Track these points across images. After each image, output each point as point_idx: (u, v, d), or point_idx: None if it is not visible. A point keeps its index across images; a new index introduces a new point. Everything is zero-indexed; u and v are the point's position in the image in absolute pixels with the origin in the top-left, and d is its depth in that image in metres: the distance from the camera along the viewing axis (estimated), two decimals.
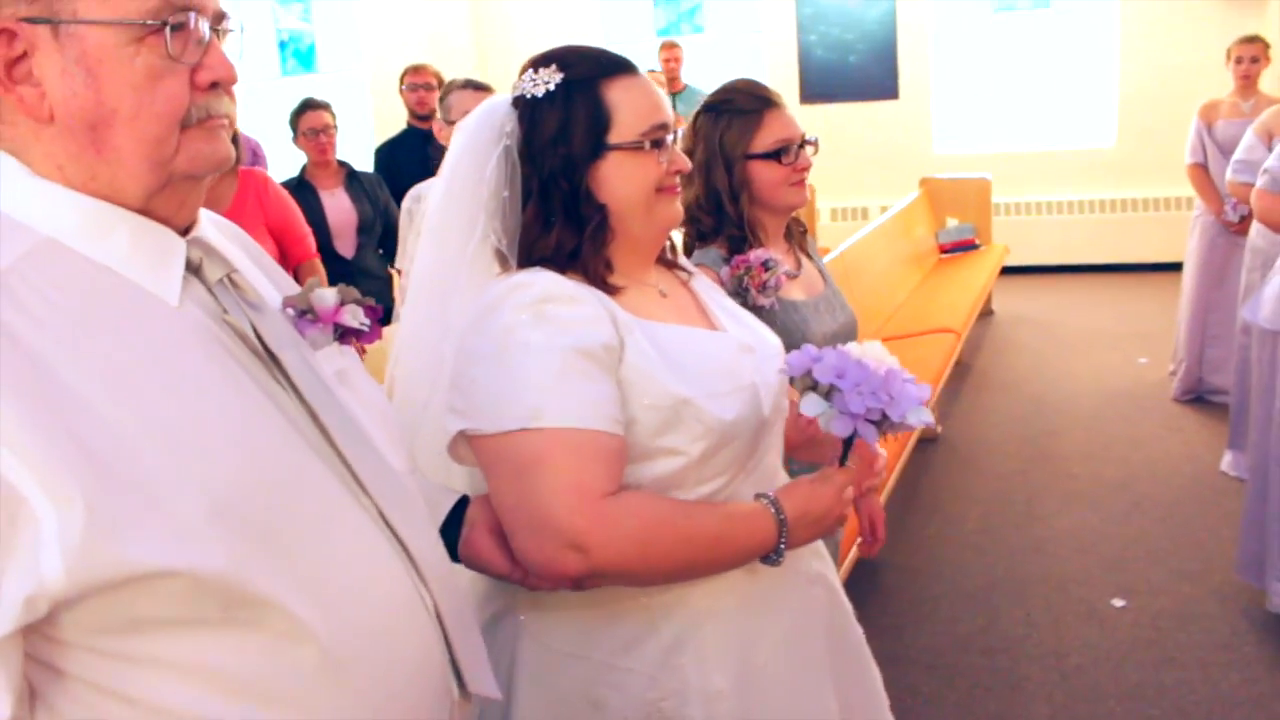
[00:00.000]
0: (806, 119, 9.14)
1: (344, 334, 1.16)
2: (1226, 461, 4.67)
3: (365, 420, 1.15)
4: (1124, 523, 4.28)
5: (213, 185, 3.77)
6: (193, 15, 0.99)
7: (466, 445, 1.44)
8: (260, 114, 10.91)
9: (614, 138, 1.48)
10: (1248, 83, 5.55)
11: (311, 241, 4.20)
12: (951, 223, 7.88)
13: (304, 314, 1.13)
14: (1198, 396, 5.64)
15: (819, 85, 9.61)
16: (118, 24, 0.96)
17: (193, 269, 1.04)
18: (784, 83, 9.65)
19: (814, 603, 1.64)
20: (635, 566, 1.39)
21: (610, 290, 1.50)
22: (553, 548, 1.34)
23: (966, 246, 7.73)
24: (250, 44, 11.09)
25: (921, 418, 1.43)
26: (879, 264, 6.23)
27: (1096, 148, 9.11)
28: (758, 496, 1.49)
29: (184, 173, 1.01)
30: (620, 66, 1.53)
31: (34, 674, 0.90)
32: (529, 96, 1.50)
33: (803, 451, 1.77)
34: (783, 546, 1.46)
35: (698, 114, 2.27)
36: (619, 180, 1.49)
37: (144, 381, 0.93)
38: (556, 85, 1.49)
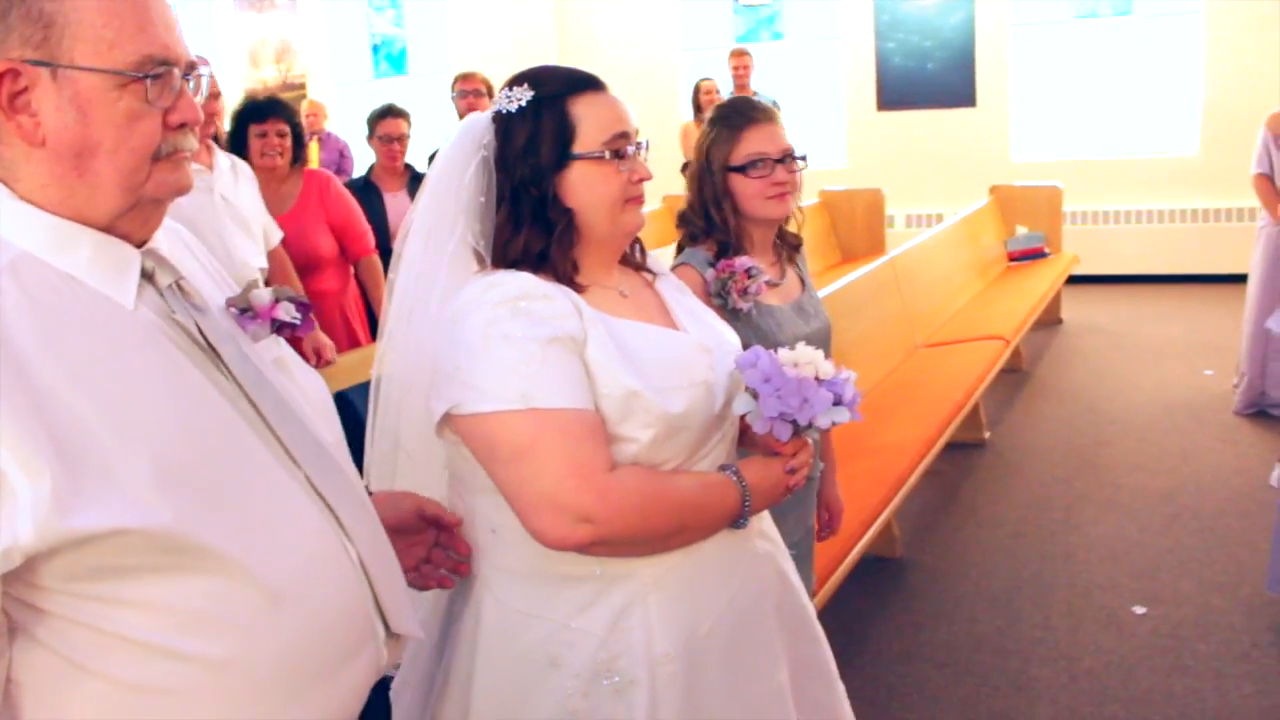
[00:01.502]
0: (883, 126, 9.22)
1: (280, 327, 1.35)
2: (1275, 475, 4.63)
3: (298, 400, 1.35)
4: (1161, 533, 4.29)
5: (278, 185, 3.99)
6: (171, 69, 1.18)
7: (450, 426, 1.61)
8: (352, 115, 11.35)
9: (578, 148, 1.64)
10: None
11: (371, 239, 4.43)
12: (1021, 230, 7.85)
13: (244, 311, 1.33)
14: (1260, 410, 5.57)
15: (896, 92, 9.63)
16: (107, 72, 1.13)
17: (146, 276, 1.21)
18: (861, 89, 9.72)
19: (761, 581, 1.76)
20: (637, 532, 1.56)
21: (576, 288, 1.65)
22: (566, 524, 1.50)
23: (1035, 255, 7.71)
24: (344, 47, 11.51)
25: (835, 418, 1.56)
26: (937, 269, 6.27)
27: (1178, 156, 8.97)
28: (721, 468, 1.66)
29: (151, 197, 1.20)
30: (586, 84, 1.68)
31: (18, 612, 1.09)
32: (504, 111, 1.67)
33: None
34: (748, 510, 1.64)
35: (704, 126, 2.41)
36: (583, 188, 1.65)
37: (102, 374, 1.11)
38: (527, 101, 1.65)
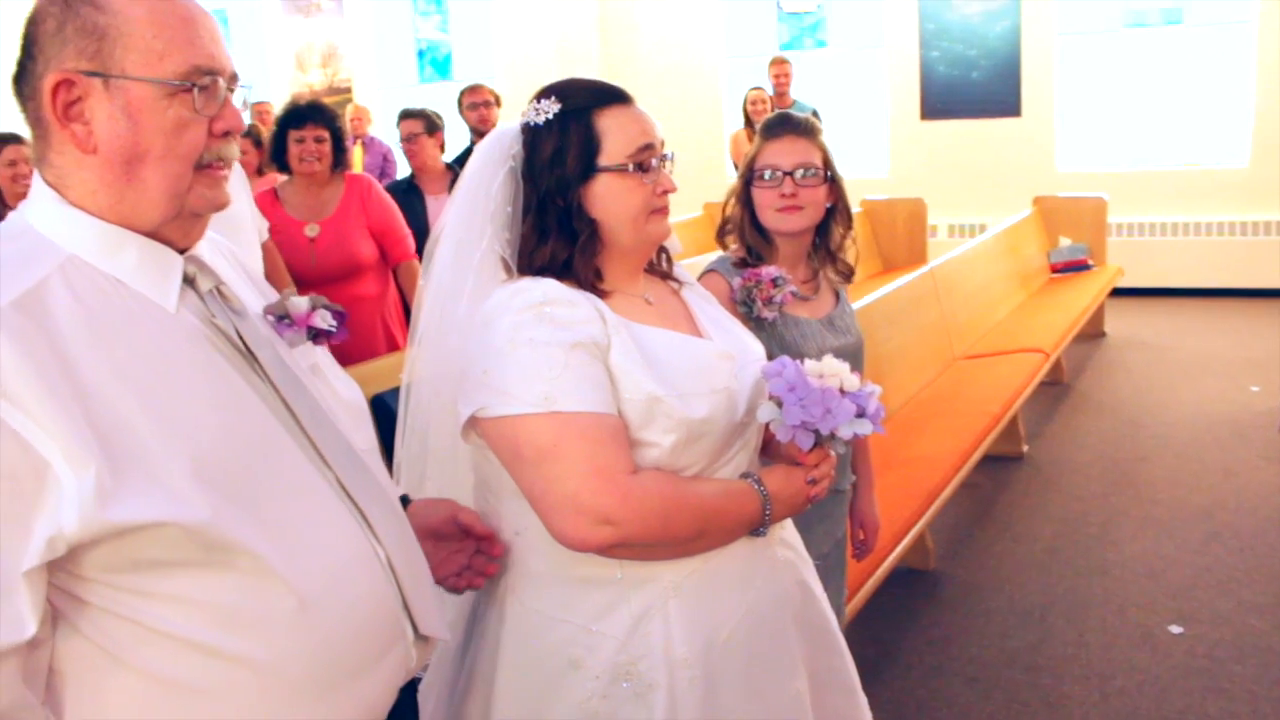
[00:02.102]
0: (927, 135, 9.18)
1: (316, 335, 1.40)
2: None
3: (333, 406, 1.39)
4: (1199, 551, 4.23)
5: (319, 190, 4.06)
6: (217, 79, 1.23)
7: (476, 429, 1.63)
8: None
9: (603, 160, 1.66)
10: None
11: (410, 243, 4.46)
12: (1064, 242, 7.77)
13: (282, 318, 1.38)
14: None
15: (940, 101, 9.58)
16: (157, 83, 1.19)
17: (188, 281, 1.27)
18: (905, 98, 9.67)
19: (781, 589, 1.76)
20: (658, 536, 1.58)
21: (601, 295, 1.67)
22: (587, 525, 1.53)
23: (1079, 267, 7.63)
24: (390, 52, 11.63)
25: (857, 430, 1.57)
26: (977, 280, 6.23)
27: (1229, 168, 8.84)
28: (743, 475, 1.68)
29: (191, 209, 1.26)
30: (613, 97, 1.70)
31: (59, 601, 1.14)
32: (531, 124, 1.70)
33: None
34: (768, 518, 1.66)
35: None
36: (608, 199, 1.67)
37: (145, 373, 1.16)
38: (554, 114, 1.68)
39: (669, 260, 1.87)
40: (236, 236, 3.68)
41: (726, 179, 8.74)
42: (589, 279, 1.67)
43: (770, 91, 7.85)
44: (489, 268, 1.72)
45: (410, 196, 5.05)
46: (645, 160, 1.68)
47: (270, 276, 3.56)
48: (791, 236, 2.36)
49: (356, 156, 8.51)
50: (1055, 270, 7.67)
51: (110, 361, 1.14)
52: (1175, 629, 3.64)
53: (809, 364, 1.61)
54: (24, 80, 1.21)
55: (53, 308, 1.13)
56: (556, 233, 1.67)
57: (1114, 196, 8.17)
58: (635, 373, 1.60)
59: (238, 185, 3.82)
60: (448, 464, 1.80)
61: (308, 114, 4.27)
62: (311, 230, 4.23)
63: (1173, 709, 3.19)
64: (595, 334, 1.59)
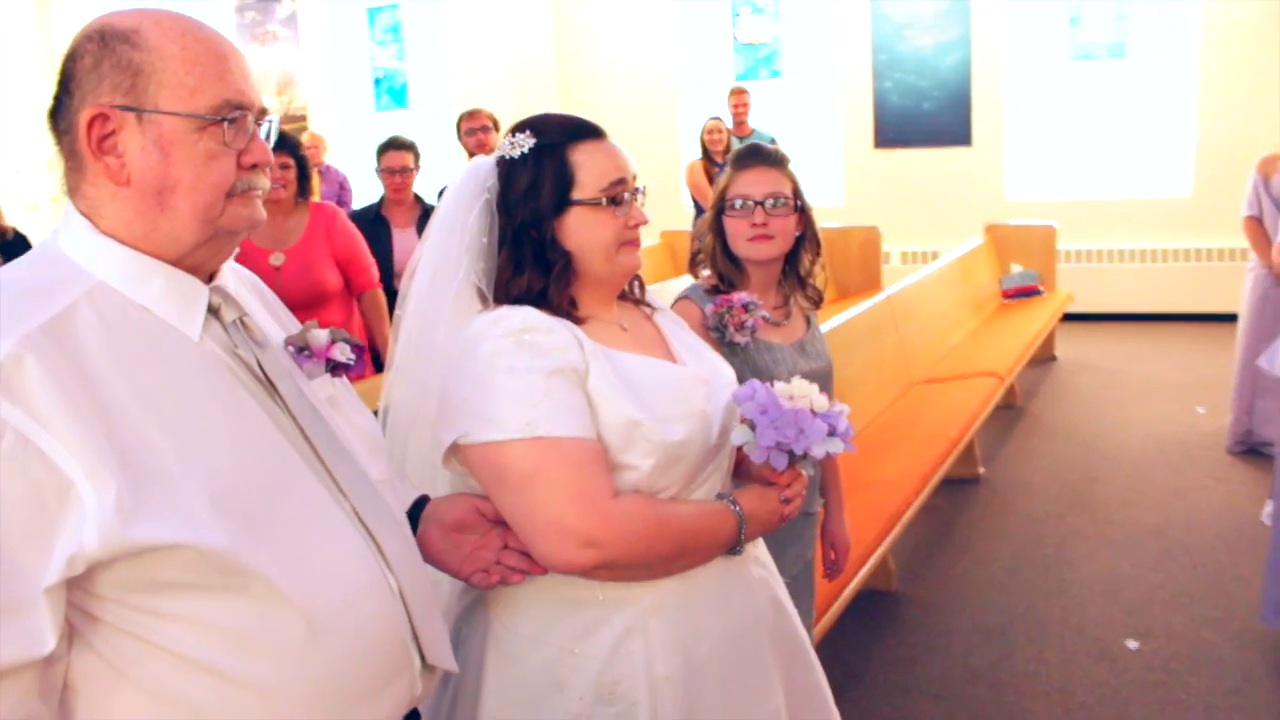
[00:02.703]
0: (880, 164, 9.32)
1: (335, 367, 1.44)
2: (1266, 512, 4.68)
3: (350, 437, 1.42)
4: (1153, 569, 4.33)
5: (284, 218, 4.06)
6: (245, 113, 1.28)
7: (458, 456, 1.66)
8: (353, 148, 11.45)
9: (577, 194, 1.71)
10: None
11: (374, 272, 4.48)
12: (1016, 268, 7.94)
13: (302, 350, 1.41)
14: (1250, 449, 5.63)
15: (893, 131, 9.75)
16: (189, 116, 1.24)
17: (212, 311, 1.31)
18: (858, 128, 9.84)
19: (755, 606, 1.81)
20: (640, 557, 1.61)
21: (577, 322, 1.71)
22: (571, 548, 1.56)
23: (1030, 292, 7.79)
24: (346, 80, 11.62)
25: (829, 449, 1.62)
26: (933, 307, 6.34)
27: (1172, 197, 9.08)
28: (718, 496, 1.73)
29: (226, 229, 1.29)
30: (586, 132, 1.75)
31: (76, 619, 1.16)
32: (507, 157, 1.74)
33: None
34: (744, 537, 1.71)
35: None
36: (581, 231, 1.71)
37: (167, 399, 1.20)
38: (530, 148, 1.72)
39: (641, 287, 1.92)
40: None
41: (683, 209, 8.84)
42: (564, 307, 1.71)
43: (729, 121, 7.95)
44: (465, 297, 1.75)
45: (377, 227, 5.03)
46: (618, 194, 1.72)
47: None
48: (762, 264, 2.42)
49: (314, 185, 8.49)
50: (1007, 296, 7.83)
51: (134, 386, 1.17)
52: (1132, 644, 3.72)
53: (779, 386, 1.66)
54: (60, 114, 1.25)
55: (80, 332, 1.17)
56: (531, 263, 1.71)
57: (1063, 224, 8.36)
58: (614, 397, 1.63)
59: None
60: (425, 489, 1.83)
61: (276, 142, 4.27)
62: (276, 259, 4.23)
63: None
64: (574, 360, 1.63)
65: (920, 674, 3.61)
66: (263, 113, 1.32)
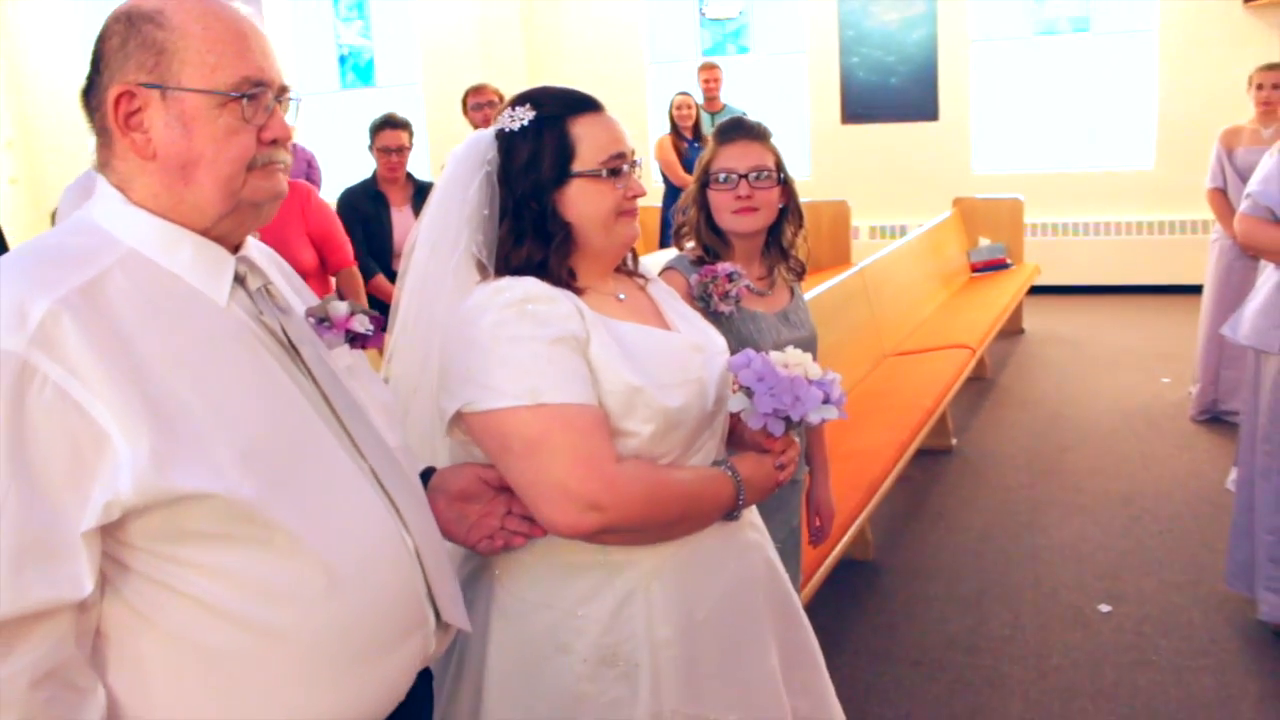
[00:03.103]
0: (847, 139, 9.32)
1: (354, 338, 1.48)
2: (1231, 479, 4.77)
3: (367, 404, 1.47)
4: (1122, 535, 4.42)
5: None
6: (264, 90, 1.32)
7: (461, 425, 1.69)
8: (319, 126, 11.35)
9: (577, 166, 1.73)
10: (1268, 110, 5.65)
11: (349, 251, 4.47)
12: (984, 242, 8.02)
13: (322, 321, 1.45)
14: (1214, 417, 5.74)
15: (860, 106, 9.81)
16: (209, 93, 1.28)
17: (238, 279, 1.35)
18: (826, 103, 9.88)
19: (751, 569, 1.85)
20: (642, 521, 1.65)
21: (576, 292, 1.74)
22: (575, 511, 1.59)
23: (997, 266, 7.87)
24: (311, 58, 11.51)
25: (824, 415, 1.67)
26: (903, 280, 6.41)
27: (1135, 170, 9.20)
28: (716, 463, 1.77)
29: (248, 201, 1.34)
30: (586, 105, 1.77)
31: (107, 568, 1.21)
32: (507, 130, 1.76)
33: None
34: (742, 502, 1.75)
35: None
36: (581, 203, 1.74)
37: (196, 359, 1.25)
38: (530, 121, 1.74)
39: (635, 258, 1.95)
40: None
41: (652, 183, 8.85)
42: (564, 278, 1.74)
43: (699, 97, 7.96)
44: (466, 269, 1.77)
45: (377, 206, 4.99)
46: (617, 166, 1.75)
47: None
48: (746, 236, 2.45)
49: None
50: (975, 269, 7.91)
51: (165, 347, 1.22)
52: (1104, 608, 3.81)
53: (774, 355, 1.70)
54: (91, 93, 1.30)
55: (113, 295, 1.21)
56: (532, 235, 1.73)
57: (1029, 197, 8.45)
58: (614, 365, 1.66)
59: None
60: (425, 459, 1.85)
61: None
62: (252, 237, 4.22)
63: (1105, 682, 3.35)
64: (575, 329, 1.65)
65: (899, 640, 3.68)
66: (283, 90, 1.35)
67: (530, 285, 1.68)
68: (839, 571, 3.74)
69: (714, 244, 2.45)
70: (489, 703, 1.72)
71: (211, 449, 1.21)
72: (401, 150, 5.08)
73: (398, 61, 11.31)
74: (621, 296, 1.82)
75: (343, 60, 11.63)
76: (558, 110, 1.75)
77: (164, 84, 1.27)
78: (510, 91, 1.94)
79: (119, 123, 1.28)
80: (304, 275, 4.29)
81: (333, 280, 4.52)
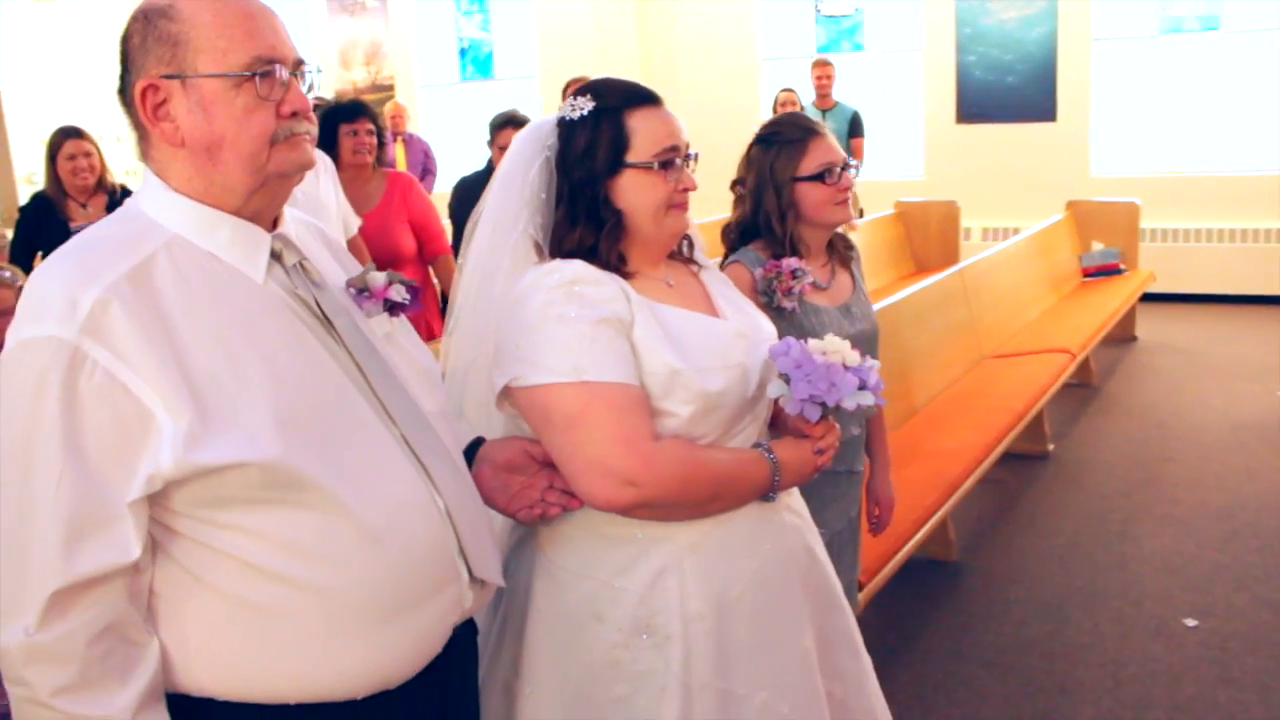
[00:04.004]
0: (962, 139, 9.14)
1: (392, 306, 1.56)
2: None
3: (405, 371, 1.55)
4: (1218, 549, 4.29)
5: (364, 184, 4.24)
6: (276, 66, 1.39)
7: (510, 399, 1.77)
8: (439, 117, 11.65)
9: (630, 157, 1.79)
10: None
11: (446, 239, 4.64)
12: (1097, 246, 7.81)
13: (361, 291, 1.54)
14: None
15: (976, 105, 9.62)
16: (224, 76, 1.35)
17: (275, 256, 1.44)
18: (941, 102, 9.73)
19: (788, 552, 1.88)
20: (677, 498, 1.71)
21: (625, 276, 1.80)
22: (612, 486, 1.66)
23: (1110, 271, 7.66)
24: (432, 50, 11.81)
25: (860, 401, 1.70)
26: (1008, 283, 6.29)
27: (1261, 174, 8.83)
28: (755, 445, 1.81)
29: (275, 173, 1.42)
30: (644, 98, 1.84)
31: (157, 533, 1.33)
32: (567, 119, 1.83)
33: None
34: (777, 484, 1.79)
35: (750, 145, 2.54)
36: (633, 193, 1.80)
37: (234, 335, 1.35)
38: (589, 111, 1.81)
39: (691, 246, 2.00)
40: (324, 220, 3.84)
41: None
42: (613, 262, 1.80)
43: (811, 94, 7.93)
44: (523, 249, 1.85)
45: None
46: (670, 159, 1.81)
47: None
48: (831, 229, 2.49)
49: (399, 154, 8.67)
50: (1087, 274, 7.71)
51: (205, 325, 1.32)
52: (1190, 622, 3.71)
53: (812, 342, 1.74)
54: (124, 91, 1.40)
55: (158, 280, 1.32)
56: (585, 220, 1.80)
57: (1147, 202, 8.18)
58: (656, 347, 1.72)
59: (327, 179, 3.98)
60: (482, 431, 1.93)
61: (359, 109, 4.44)
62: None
63: (1183, 696, 3.27)
64: (620, 311, 1.72)
65: (974, 641, 3.65)
66: (298, 64, 1.42)
67: (579, 268, 1.75)
68: (919, 570, 3.74)
69: (784, 243, 2.46)
70: (528, 663, 1.80)
71: (245, 419, 1.30)
72: None
73: (516, 54, 11.52)
74: (670, 282, 1.88)
75: (463, 53, 11.89)
76: (616, 102, 1.81)
77: (182, 73, 1.35)
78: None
79: (148, 115, 1.37)
80: (403, 260, 4.49)
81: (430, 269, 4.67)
